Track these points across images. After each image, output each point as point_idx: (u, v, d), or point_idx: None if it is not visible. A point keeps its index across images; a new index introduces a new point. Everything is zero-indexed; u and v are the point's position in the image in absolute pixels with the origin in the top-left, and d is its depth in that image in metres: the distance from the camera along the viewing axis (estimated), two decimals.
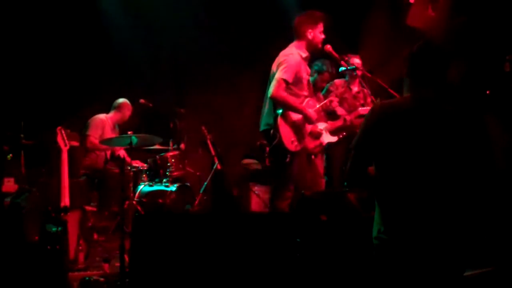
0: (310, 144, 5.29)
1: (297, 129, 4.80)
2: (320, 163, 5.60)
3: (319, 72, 5.85)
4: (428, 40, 2.70)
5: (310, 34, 4.87)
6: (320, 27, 4.90)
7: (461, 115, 2.61)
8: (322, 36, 4.92)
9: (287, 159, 4.74)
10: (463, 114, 2.61)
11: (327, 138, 5.51)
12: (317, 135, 5.35)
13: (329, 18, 4.99)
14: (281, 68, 4.73)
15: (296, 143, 4.78)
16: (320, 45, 4.94)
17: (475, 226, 2.63)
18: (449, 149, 2.56)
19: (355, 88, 6.14)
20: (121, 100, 6.54)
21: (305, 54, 4.89)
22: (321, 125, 5.47)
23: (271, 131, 4.77)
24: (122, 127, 6.50)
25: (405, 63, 2.70)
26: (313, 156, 5.50)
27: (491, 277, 3.88)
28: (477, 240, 2.77)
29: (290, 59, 4.77)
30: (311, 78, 5.76)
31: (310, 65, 5.49)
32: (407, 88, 2.70)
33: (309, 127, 4.92)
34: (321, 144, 5.44)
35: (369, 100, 5.79)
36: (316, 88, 5.74)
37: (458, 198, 2.57)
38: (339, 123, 5.64)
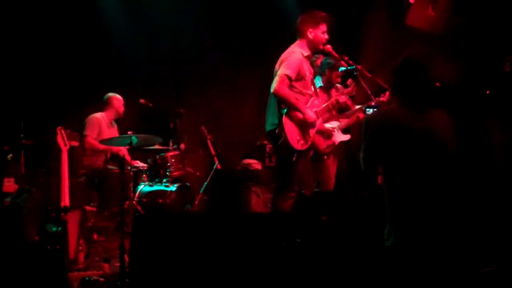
0: (322, 144, 5.26)
1: (303, 127, 4.77)
2: (331, 164, 5.56)
3: (331, 67, 5.61)
4: (409, 54, 2.93)
5: (310, 34, 4.86)
6: (323, 27, 4.87)
7: (453, 116, 2.77)
8: (325, 36, 4.88)
9: (294, 159, 4.72)
10: (455, 115, 2.74)
11: (340, 137, 5.45)
12: (328, 135, 5.32)
13: (331, 19, 4.96)
14: (283, 65, 4.73)
15: (302, 141, 4.74)
16: (321, 46, 4.90)
17: (478, 224, 2.70)
18: (444, 150, 2.74)
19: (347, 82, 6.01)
20: (108, 95, 6.46)
21: (306, 52, 4.88)
22: (333, 124, 5.43)
23: (276, 131, 4.74)
24: (122, 127, 6.49)
25: (391, 76, 2.94)
26: (325, 157, 5.48)
27: (491, 277, 3.88)
28: (480, 240, 2.83)
29: (292, 56, 4.77)
30: (322, 77, 5.73)
31: (315, 65, 5.47)
32: (394, 97, 2.94)
33: (315, 126, 4.90)
34: (333, 143, 5.41)
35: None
36: (331, 85, 5.67)
37: (461, 197, 2.64)
38: (351, 121, 5.55)
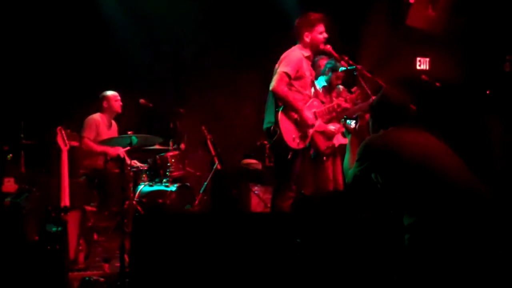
0: (322, 144, 5.26)
1: (300, 126, 4.77)
2: (330, 166, 5.56)
3: (333, 69, 5.65)
4: (384, 91, 3.23)
5: (307, 37, 4.89)
6: (319, 28, 4.89)
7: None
8: (324, 35, 4.90)
9: (289, 156, 4.71)
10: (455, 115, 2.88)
11: (340, 140, 5.46)
12: (330, 136, 5.32)
13: (328, 18, 4.97)
14: (283, 63, 4.76)
15: (298, 140, 4.73)
16: (321, 46, 4.92)
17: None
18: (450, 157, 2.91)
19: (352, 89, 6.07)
20: (102, 94, 6.41)
21: (307, 53, 4.90)
22: (333, 126, 5.43)
23: (272, 127, 4.75)
24: (123, 127, 6.48)
25: (369, 111, 3.24)
26: (324, 158, 5.48)
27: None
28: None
29: (291, 54, 4.81)
30: (325, 77, 5.75)
31: (316, 65, 5.48)
32: (376, 127, 3.15)
33: (314, 127, 4.89)
34: (333, 145, 5.41)
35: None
36: (331, 87, 5.68)
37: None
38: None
